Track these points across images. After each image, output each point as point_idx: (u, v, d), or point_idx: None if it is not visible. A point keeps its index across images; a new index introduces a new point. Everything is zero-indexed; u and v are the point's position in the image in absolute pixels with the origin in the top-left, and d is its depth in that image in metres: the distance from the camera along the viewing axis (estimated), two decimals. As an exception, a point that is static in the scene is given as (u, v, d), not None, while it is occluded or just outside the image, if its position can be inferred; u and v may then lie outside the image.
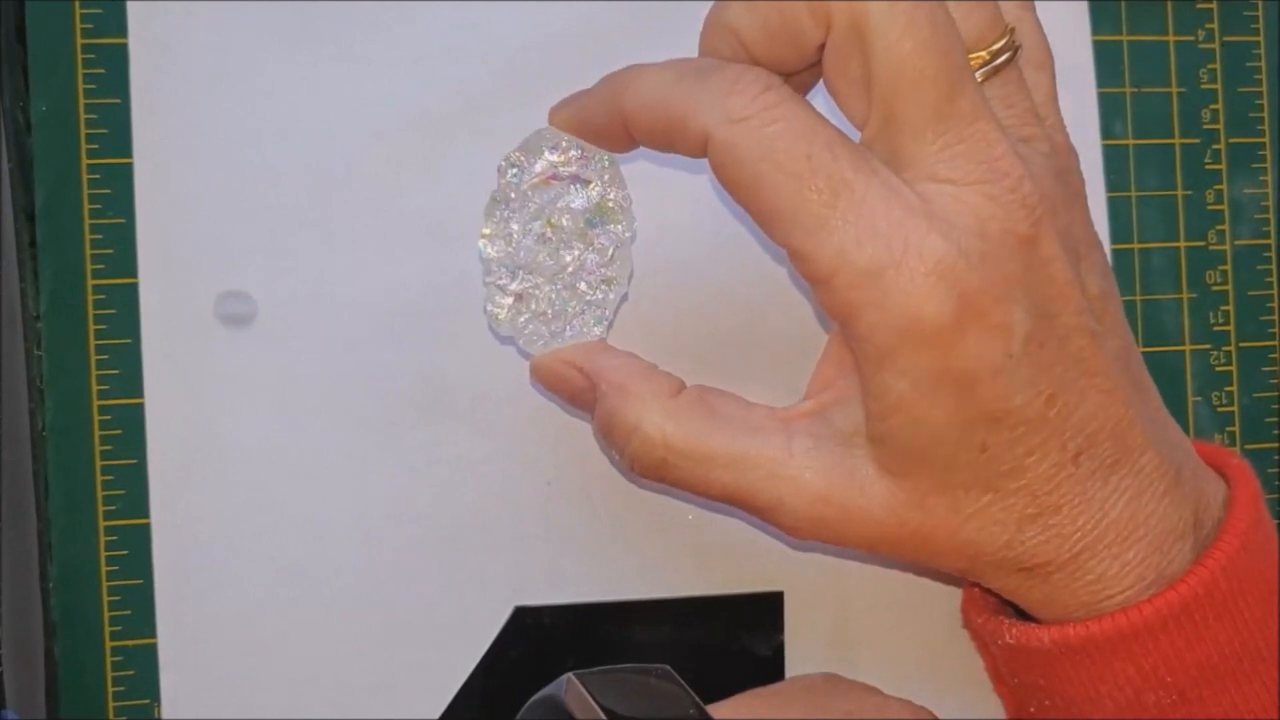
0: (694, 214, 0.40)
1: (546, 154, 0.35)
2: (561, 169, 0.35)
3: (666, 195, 0.39)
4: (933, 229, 0.30)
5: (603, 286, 0.35)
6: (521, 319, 0.35)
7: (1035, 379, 0.31)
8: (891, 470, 0.32)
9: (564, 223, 0.35)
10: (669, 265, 0.39)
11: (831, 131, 0.31)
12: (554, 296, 0.35)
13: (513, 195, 0.35)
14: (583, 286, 0.35)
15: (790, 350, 0.39)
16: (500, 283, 0.35)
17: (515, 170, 0.35)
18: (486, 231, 0.35)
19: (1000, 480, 0.32)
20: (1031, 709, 0.35)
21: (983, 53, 0.32)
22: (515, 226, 0.35)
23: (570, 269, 0.35)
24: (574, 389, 0.35)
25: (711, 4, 0.33)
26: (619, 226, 0.35)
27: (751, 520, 0.37)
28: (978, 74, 0.32)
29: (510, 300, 0.35)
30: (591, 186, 0.35)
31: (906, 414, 0.31)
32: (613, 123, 0.33)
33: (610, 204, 0.35)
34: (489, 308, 0.35)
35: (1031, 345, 0.31)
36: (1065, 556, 0.32)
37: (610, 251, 0.35)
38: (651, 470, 0.34)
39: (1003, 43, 0.32)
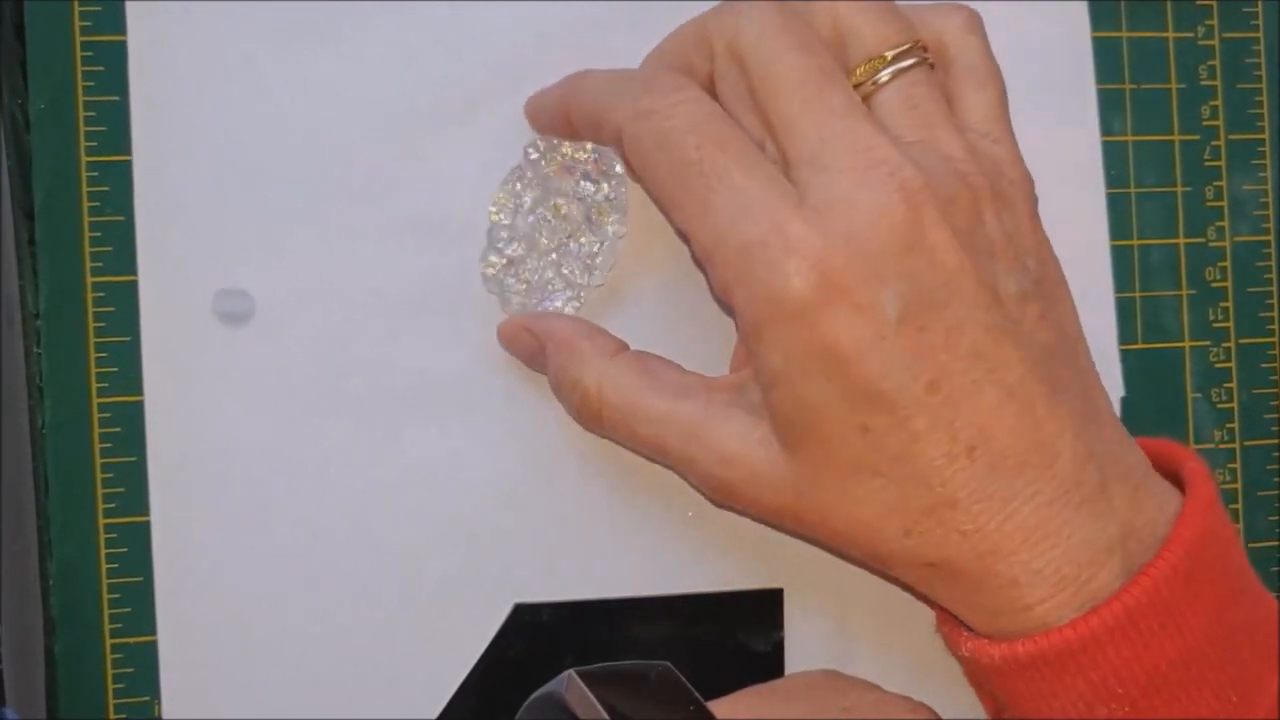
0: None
1: (568, 147, 0.38)
2: (578, 164, 0.38)
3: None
4: (798, 214, 0.32)
5: (583, 273, 0.38)
6: (508, 280, 0.38)
7: (913, 363, 0.32)
8: (784, 442, 0.34)
9: (568, 211, 0.38)
10: (661, 262, 0.40)
11: (726, 129, 0.34)
12: (539, 270, 0.38)
13: (530, 174, 0.38)
14: (566, 270, 0.38)
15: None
16: (498, 245, 0.38)
17: (538, 154, 0.38)
18: (499, 199, 0.38)
19: (889, 465, 0.32)
20: (1005, 714, 0.35)
21: (883, 56, 0.34)
22: (527, 200, 0.38)
23: (559, 252, 0.38)
24: (527, 350, 0.38)
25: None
26: (613, 226, 0.38)
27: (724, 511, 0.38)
28: (882, 74, 0.34)
29: (503, 262, 0.38)
30: (600, 186, 0.38)
31: (784, 388, 0.33)
32: (560, 115, 0.37)
33: (610, 204, 0.38)
34: (481, 263, 0.38)
35: (908, 329, 0.32)
36: (969, 556, 0.32)
37: (599, 245, 0.38)
38: (591, 421, 0.37)
39: (903, 49, 0.34)
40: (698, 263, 0.38)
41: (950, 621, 0.36)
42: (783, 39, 0.33)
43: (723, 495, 0.35)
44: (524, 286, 0.38)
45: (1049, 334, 0.34)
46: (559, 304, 0.38)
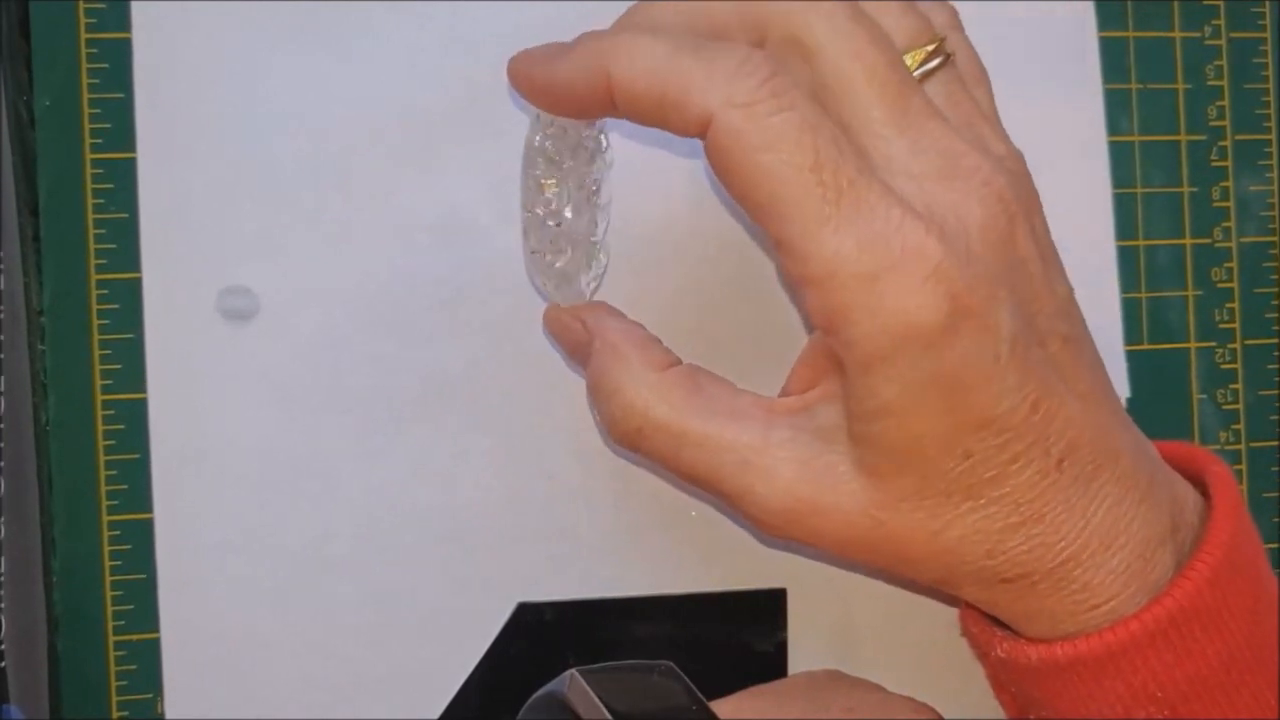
0: (697, 199, 0.40)
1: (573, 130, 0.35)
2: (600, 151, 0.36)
3: (669, 179, 0.39)
4: (930, 231, 0.29)
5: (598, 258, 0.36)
6: (559, 264, 0.36)
7: (1021, 383, 0.30)
8: (870, 471, 0.32)
9: (596, 190, 0.36)
10: (664, 251, 0.39)
11: (834, 127, 0.30)
12: (575, 252, 0.36)
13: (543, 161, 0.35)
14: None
15: (776, 338, 0.39)
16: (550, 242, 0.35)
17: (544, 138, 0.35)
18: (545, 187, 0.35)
19: (982, 488, 0.31)
20: (1031, 715, 0.35)
21: (917, 53, 0.32)
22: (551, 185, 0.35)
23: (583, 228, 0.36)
24: (575, 341, 0.36)
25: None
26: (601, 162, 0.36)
27: (727, 512, 0.38)
28: (915, 72, 0.32)
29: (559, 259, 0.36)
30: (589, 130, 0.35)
31: (893, 419, 0.31)
32: (594, 91, 0.31)
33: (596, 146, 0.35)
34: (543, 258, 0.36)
35: (1018, 347, 0.30)
36: (1049, 566, 0.32)
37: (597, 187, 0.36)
38: (627, 438, 0.34)
39: (934, 47, 0.32)
40: (786, 283, 0.36)
41: (981, 623, 0.35)
42: (860, 35, 0.31)
43: (780, 530, 0.33)
44: (566, 269, 0.36)
45: (1087, 331, 0.34)
46: (583, 289, 0.36)
